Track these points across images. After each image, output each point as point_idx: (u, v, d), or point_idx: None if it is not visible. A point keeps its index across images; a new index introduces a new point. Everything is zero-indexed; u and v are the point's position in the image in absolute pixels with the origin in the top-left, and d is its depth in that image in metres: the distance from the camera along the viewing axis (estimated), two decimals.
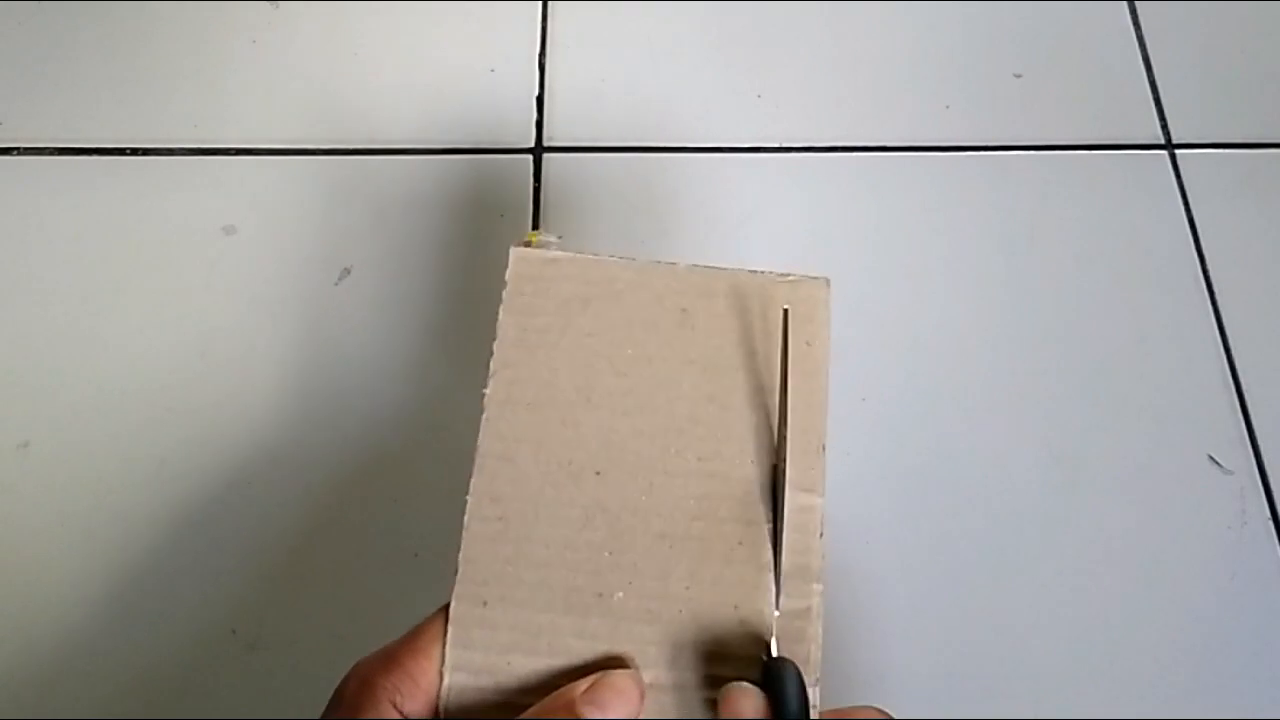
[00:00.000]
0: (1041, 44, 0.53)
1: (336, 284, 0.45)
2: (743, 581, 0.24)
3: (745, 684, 0.24)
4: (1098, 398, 0.44)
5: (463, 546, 0.24)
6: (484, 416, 0.26)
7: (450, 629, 0.24)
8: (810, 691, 0.24)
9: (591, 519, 0.24)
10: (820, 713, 0.25)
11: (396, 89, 0.50)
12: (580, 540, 0.24)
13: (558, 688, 0.23)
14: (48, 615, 0.39)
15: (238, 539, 0.40)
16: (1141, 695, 0.39)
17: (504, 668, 0.23)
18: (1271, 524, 0.42)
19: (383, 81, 0.50)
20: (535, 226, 0.47)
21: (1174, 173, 0.50)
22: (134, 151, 0.48)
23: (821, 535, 0.25)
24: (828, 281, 0.29)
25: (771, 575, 0.24)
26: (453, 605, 0.24)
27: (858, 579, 0.41)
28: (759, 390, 0.26)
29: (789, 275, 0.29)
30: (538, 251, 0.27)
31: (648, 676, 0.23)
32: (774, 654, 0.24)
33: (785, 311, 0.26)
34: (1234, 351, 0.46)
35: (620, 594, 0.24)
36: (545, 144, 0.49)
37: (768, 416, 0.26)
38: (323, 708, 0.39)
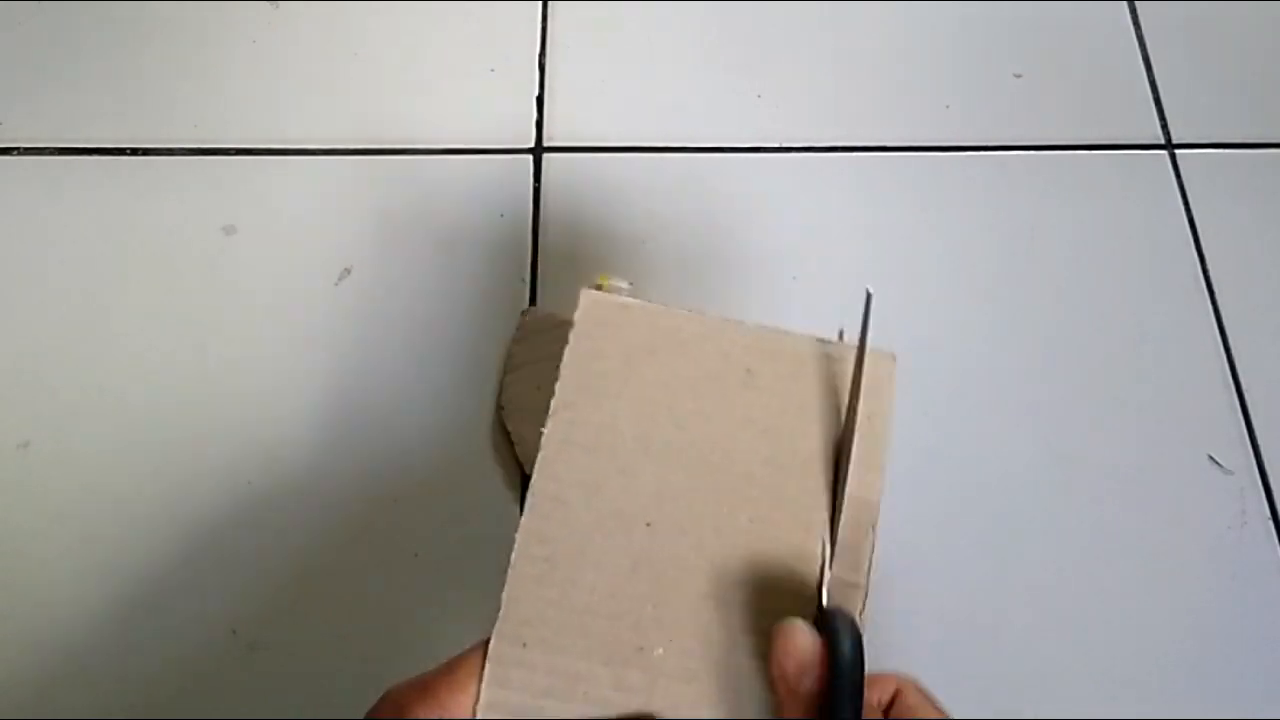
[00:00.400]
0: (1041, 44, 0.53)
1: (336, 284, 0.45)
2: None
3: (799, 621, 0.23)
4: (1098, 398, 0.44)
5: (507, 584, 0.24)
6: (540, 455, 0.25)
7: (488, 667, 0.23)
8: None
9: (638, 570, 0.24)
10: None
11: (397, 89, 0.50)
12: (625, 590, 0.24)
13: None
14: (48, 615, 0.39)
15: (238, 539, 0.40)
16: (1141, 695, 0.39)
17: (538, 711, 0.23)
18: (1271, 524, 0.42)
19: (383, 82, 0.50)
20: (535, 227, 0.47)
21: (1174, 173, 0.50)
22: (134, 151, 0.48)
23: (862, 613, 0.25)
24: (894, 357, 0.29)
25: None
26: (493, 643, 0.23)
27: None
28: (817, 457, 0.26)
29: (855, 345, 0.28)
30: (609, 296, 0.27)
31: None
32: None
33: (856, 382, 0.27)
34: (1234, 351, 0.46)
35: (660, 650, 0.23)
36: (545, 144, 0.49)
37: (824, 485, 0.26)
38: (323, 708, 0.39)
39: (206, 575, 0.40)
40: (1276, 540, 0.42)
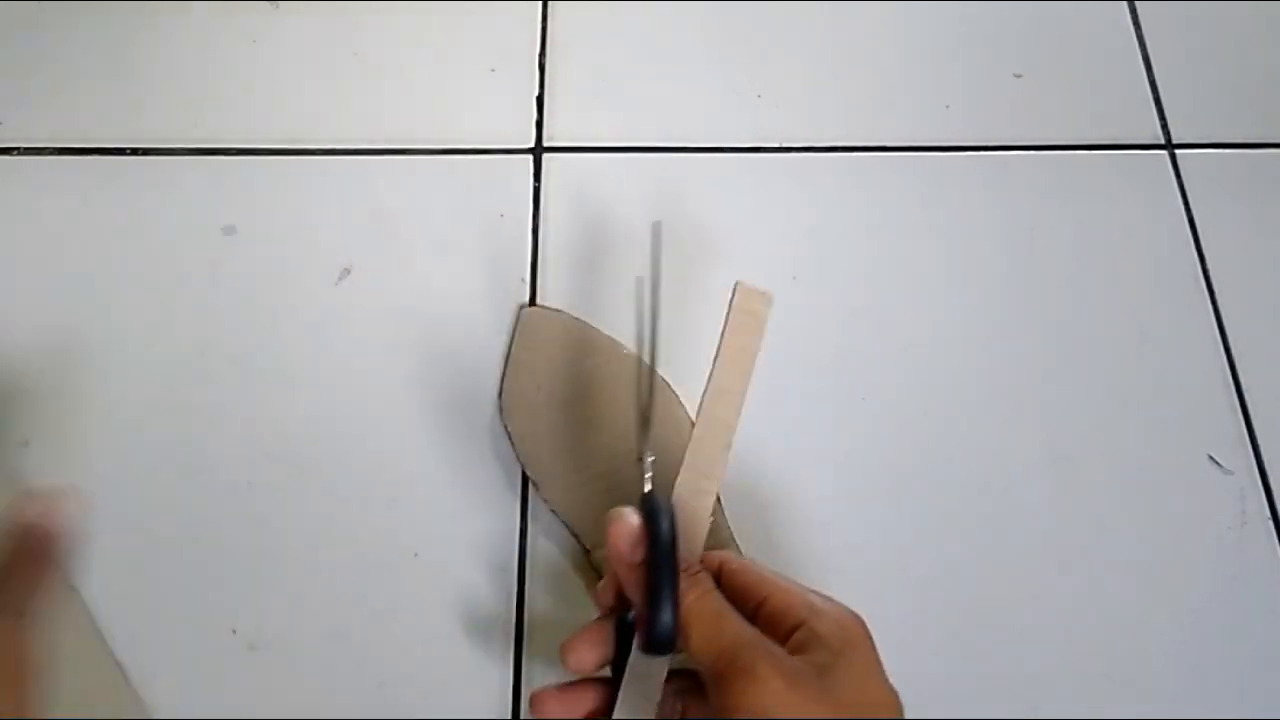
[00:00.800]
0: (1041, 44, 0.53)
1: (336, 284, 0.46)
2: None
3: (625, 508, 0.30)
4: (1098, 398, 0.44)
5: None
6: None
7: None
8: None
9: None
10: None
11: (396, 89, 0.50)
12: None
13: None
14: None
15: (237, 539, 0.40)
16: (1141, 695, 0.39)
17: None
18: (1271, 524, 0.42)
19: (383, 81, 0.50)
20: (535, 227, 0.47)
21: (1174, 173, 0.50)
22: (134, 151, 0.48)
23: (713, 515, 0.33)
24: (771, 298, 0.35)
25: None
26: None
27: (858, 578, 0.41)
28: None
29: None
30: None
31: None
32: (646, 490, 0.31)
33: (732, 299, 0.34)
34: (1234, 351, 0.46)
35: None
36: (545, 144, 0.49)
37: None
38: (323, 708, 0.39)
39: (206, 575, 0.40)
40: (1276, 540, 0.42)
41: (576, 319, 0.44)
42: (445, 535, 0.41)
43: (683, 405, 0.43)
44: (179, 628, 0.39)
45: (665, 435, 0.42)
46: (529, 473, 0.41)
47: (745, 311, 0.34)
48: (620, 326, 0.44)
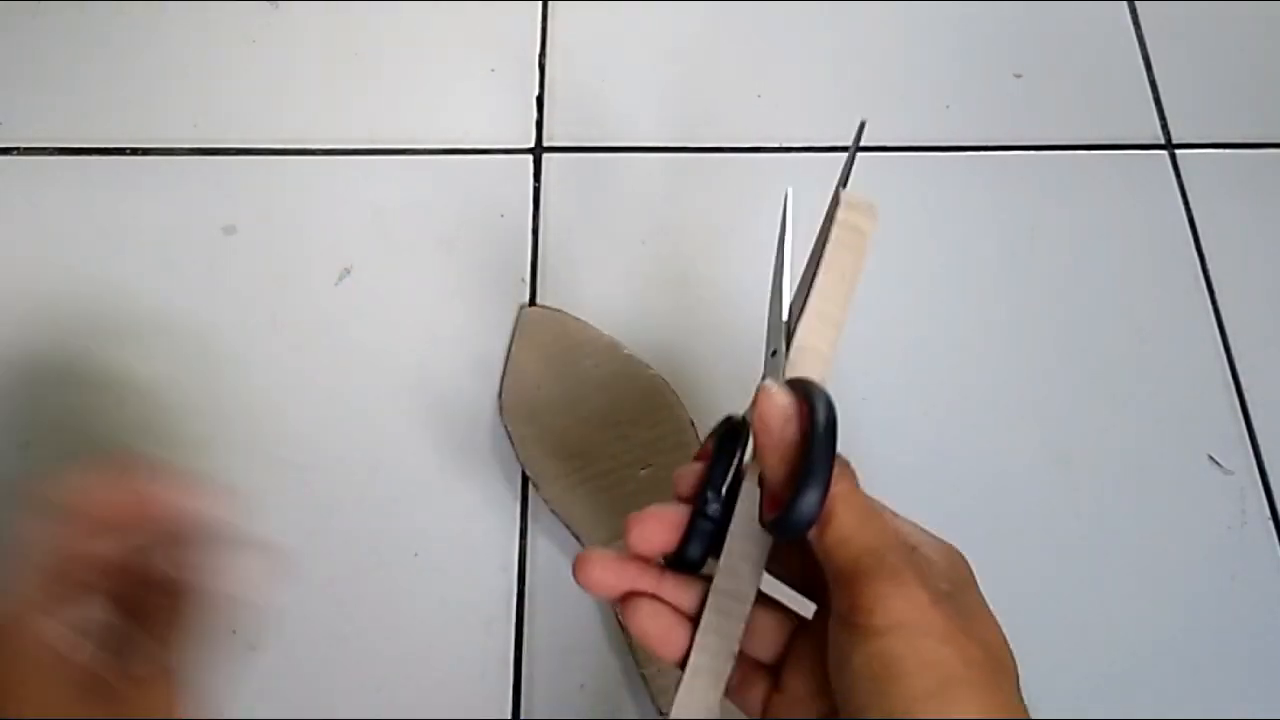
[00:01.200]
0: (1041, 44, 0.53)
1: (336, 284, 0.46)
2: None
3: (774, 384, 0.27)
4: (1098, 398, 0.44)
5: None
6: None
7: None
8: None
9: None
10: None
11: (396, 89, 0.50)
12: None
13: None
14: None
15: (237, 539, 0.40)
16: (1142, 695, 0.39)
17: None
18: (1271, 524, 0.42)
19: (382, 81, 0.50)
20: (535, 227, 0.47)
21: (1174, 173, 0.50)
22: (134, 151, 0.48)
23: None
24: (875, 209, 0.33)
25: None
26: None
27: None
28: None
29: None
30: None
31: None
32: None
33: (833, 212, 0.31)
34: (1234, 351, 0.46)
35: None
36: (545, 144, 0.49)
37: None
38: (323, 708, 0.39)
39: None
40: (1276, 540, 0.42)
41: (576, 319, 0.44)
42: (445, 535, 0.41)
43: (683, 406, 0.43)
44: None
45: (667, 435, 0.42)
46: (529, 473, 0.41)
47: (849, 227, 0.31)
48: (620, 326, 0.44)
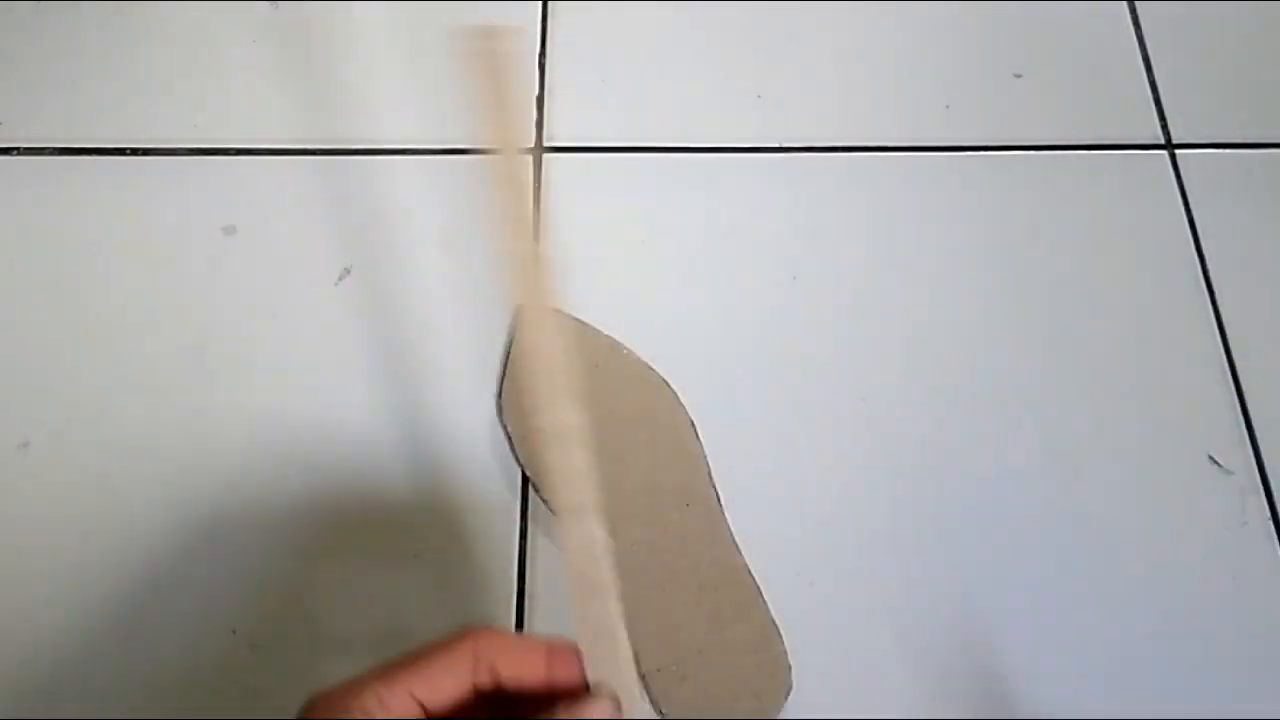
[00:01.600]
0: (1041, 44, 0.53)
1: (336, 284, 0.46)
2: None
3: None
4: (1098, 398, 0.44)
5: None
6: None
7: None
8: None
9: None
10: None
11: (396, 89, 0.50)
12: None
13: None
14: (48, 615, 0.39)
15: (238, 539, 0.40)
16: (1141, 695, 0.39)
17: None
18: (1271, 524, 0.42)
19: (383, 81, 0.50)
20: (535, 226, 0.47)
21: (1174, 173, 0.50)
22: (134, 151, 0.48)
23: None
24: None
25: None
26: None
27: (858, 579, 0.41)
28: None
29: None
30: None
31: None
32: None
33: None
34: (1234, 351, 0.46)
35: None
36: (545, 144, 0.49)
37: None
38: None
39: (206, 575, 0.40)
40: (1276, 540, 0.42)
41: (576, 319, 0.44)
42: (445, 535, 0.41)
43: (683, 406, 0.43)
44: (179, 628, 0.39)
45: (667, 435, 0.42)
46: (529, 473, 0.41)
47: (489, 57, 0.28)
48: (620, 326, 0.44)
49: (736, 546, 0.40)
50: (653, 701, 0.38)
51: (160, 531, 0.40)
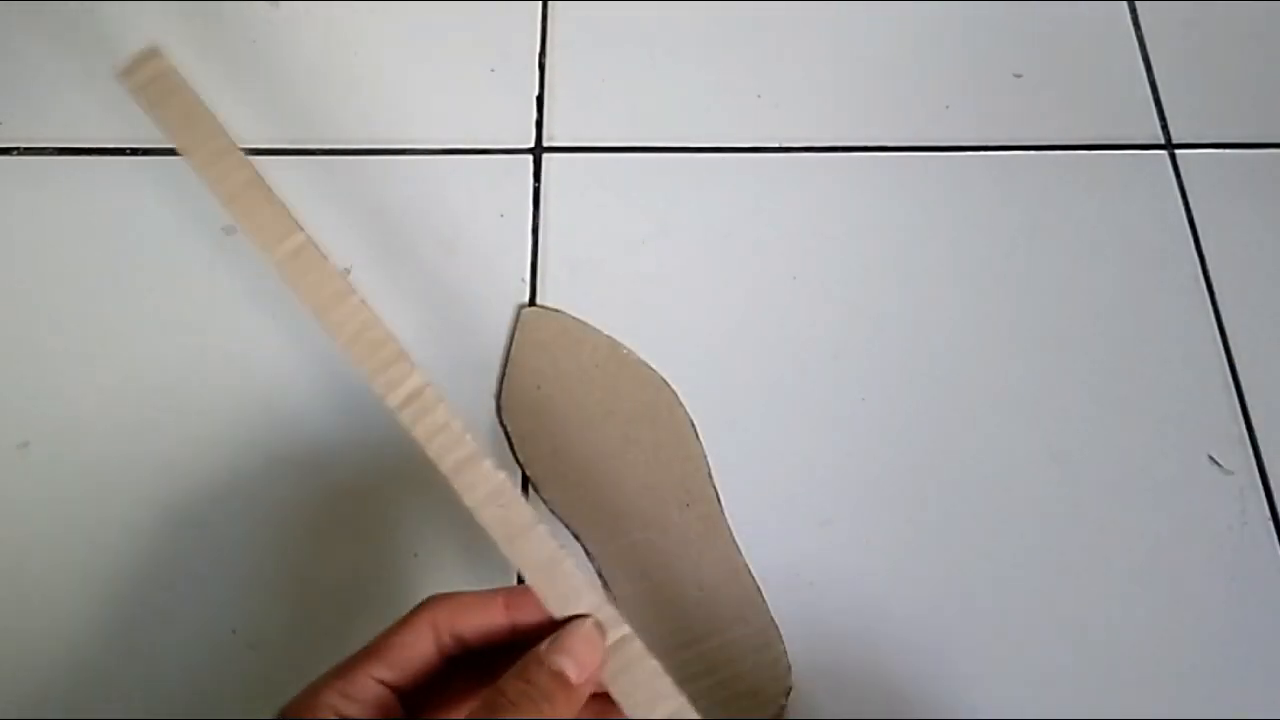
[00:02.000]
0: (1041, 44, 0.53)
1: None
2: None
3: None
4: (1098, 398, 0.44)
5: None
6: None
7: None
8: None
9: None
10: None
11: (396, 89, 0.50)
12: None
13: None
14: (47, 615, 0.39)
15: (238, 539, 0.40)
16: (1142, 695, 0.39)
17: None
18: (1271, 524, 0.42)
19: (382, 81, 0.50)
20: (535, 227, 0.47)
21: (1174, 173, 0.50)
22: (134, 151, 0.48)
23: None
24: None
25: None
26: None
27: (858, 579, 0.41)
28: None
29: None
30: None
31: None
32: None
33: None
34: (1234, 351, 0.46)
35: None
36: (545, 144, 0.49)
37: None
38: None
39: (206, 575, 0.40)
40: (1276, 540, 0.42)
41: (576, 319, 0.44)
42: (445, 535, 0.41)
43: (683, 406, 0.43)
44: (179, 628, 0.39)
45: (667, 435, 0.42)
46: (529, 473, 0.41)
47: (152, 85, 0.28)
48: (620, 326, 0.44)
49: (737, 546, 0.40)
50: None
51: (160, 531, 0.40)
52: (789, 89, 0.51)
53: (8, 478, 0.41)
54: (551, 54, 0.51)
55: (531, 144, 0.49)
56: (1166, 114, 0.51)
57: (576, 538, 0.40)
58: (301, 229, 0.28)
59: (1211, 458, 0.43)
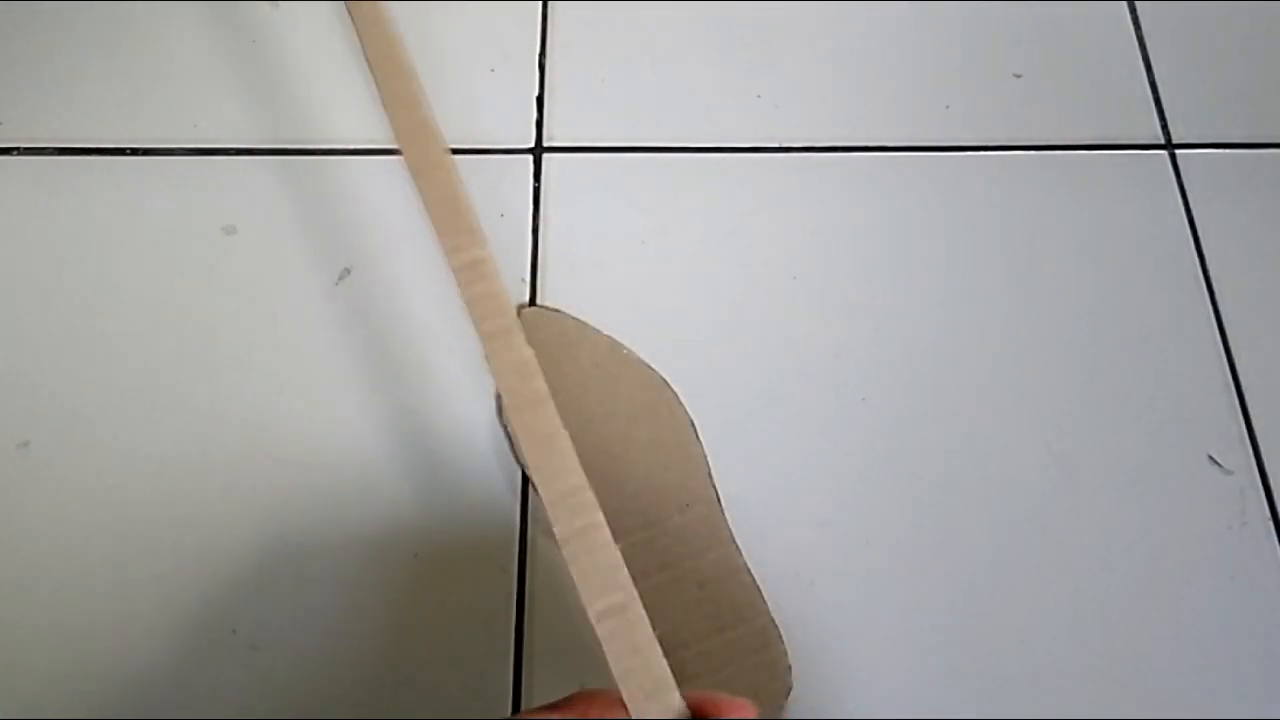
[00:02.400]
0: (1041, 44, 0.53)
1: (336, 284, 0.46)
2: None
3: None
4: (1098, 398, 0.44)
5: None
6: None
7: None
8: None
9: None
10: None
11: None
12: None
13: None
14: (47, 615, 0.39)
15: (237, 539, 0.40)
16: (1142, 695, 0.39)
17: None
18: (1271, 524, 0.42)
19: None
20: (535, 227, 0.47)
21: (1174, 173, 0.50)
22: (134, 151, 0.48)
23: None
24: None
25: None
26: None
27: (858, 579, 0.41)
28: None
29: None
30: None
31: None
32: None
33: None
34: (1234, 351, 0.46)
35: None
36: (545, 144, 0.49)
37: None
38: (323, 708, 0.39)
39: (206, 575, 0.40)
40: (1276, 540, 0.42)
41: (576, 319, 0.44)
42: (445, 535, 0.41)
43: (684, 406, 0.43)
44: (179, 628, 0.39)
45: (667, 435, 0.42)
46: (529, 473, 0.41)
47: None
48: (620, 326, 0.44)
49: (737, 546, 0.40)
50: None
51: (160, 531, 0.40)
52: (789, 89, 0.51)
53: (8, 478, 0.41)
54: (551, 54, 0.51)
55: (531, 144, 0.49)
56: (1166, 114, 0.51)
57: None
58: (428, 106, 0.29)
59: (1211, 458, 0.43)
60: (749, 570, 0.40)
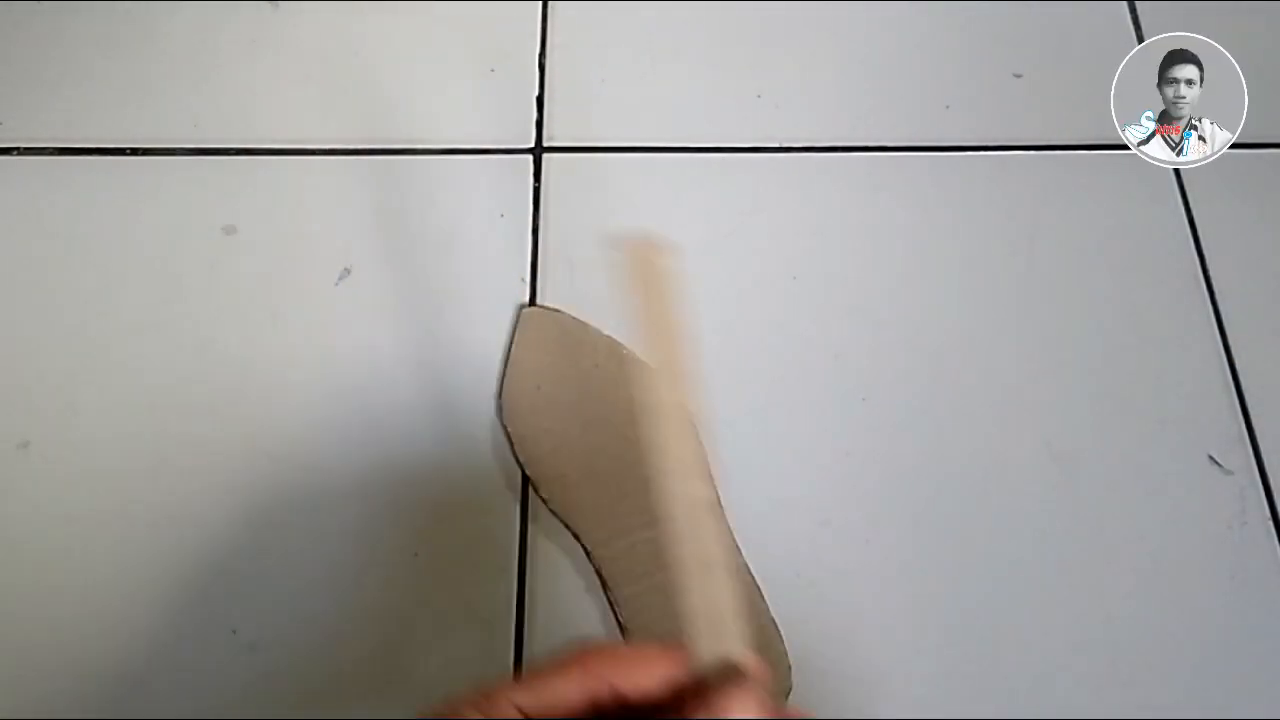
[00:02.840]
0: (1041, 44, 0.53)
1: (336, 284, 0.46)
2: None
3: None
4: (1098, 398, 0.44)
5: None
6: None
7: None
8: None
9: None
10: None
11: (397, 89, 0.50)
12: None
13: None
14: (47, 615, 0.39)
15: (237, 539, 0.40)
16: (1141, 695, 0.39)
17: None
18: (1271, 524, 0.42)
19: (383, 82, 0.50)
20: (535, 227, 0.47)
21: (1174, 172, 0.50)
22: (134, 151, 0.48)
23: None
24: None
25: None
26: None
27: (858, 579, 0.41)
28: None
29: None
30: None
31: None
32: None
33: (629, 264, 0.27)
34: (1234, 351, 0.46)
35: None
36: (545, 144, 0.49)
37: None
38: (323, 708, 0.39)
39: (206, 575, 0.40)
40: (1276, 540, 0.42)
41: (576, 319, 0.44)
42: (445, 535, 0.41)
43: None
44: (179, 628, 0.39)
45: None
46: (529, 473, 0.41)
47: (646, 273, 0.28)
48: (620, 326, 0.44)
49: (737, 546, 0.40)
50: None
51: (159, 531, 0.40)
52: (789, 89, 0.51)
53: (8, 478, 0.41)
54: (551, 54, 0.51)
55: (531, 144, 0.49)
56: None
57: (576, 538, 0.40)
58: (713, 484, 0.27)
59: (1211, 458, 0.43)
60: (749, 570, 0.40)
